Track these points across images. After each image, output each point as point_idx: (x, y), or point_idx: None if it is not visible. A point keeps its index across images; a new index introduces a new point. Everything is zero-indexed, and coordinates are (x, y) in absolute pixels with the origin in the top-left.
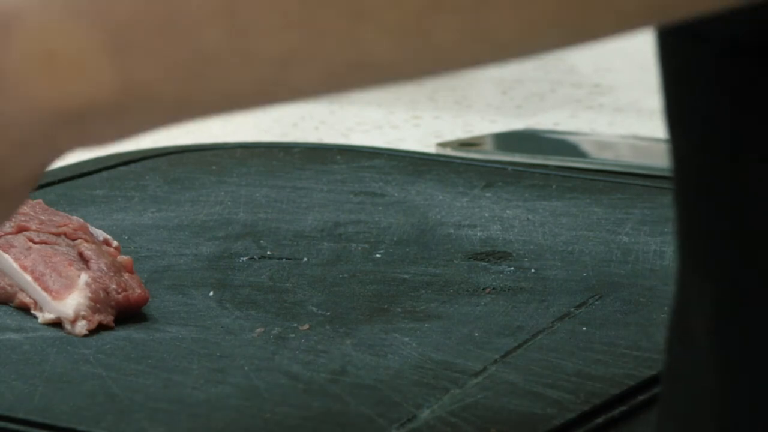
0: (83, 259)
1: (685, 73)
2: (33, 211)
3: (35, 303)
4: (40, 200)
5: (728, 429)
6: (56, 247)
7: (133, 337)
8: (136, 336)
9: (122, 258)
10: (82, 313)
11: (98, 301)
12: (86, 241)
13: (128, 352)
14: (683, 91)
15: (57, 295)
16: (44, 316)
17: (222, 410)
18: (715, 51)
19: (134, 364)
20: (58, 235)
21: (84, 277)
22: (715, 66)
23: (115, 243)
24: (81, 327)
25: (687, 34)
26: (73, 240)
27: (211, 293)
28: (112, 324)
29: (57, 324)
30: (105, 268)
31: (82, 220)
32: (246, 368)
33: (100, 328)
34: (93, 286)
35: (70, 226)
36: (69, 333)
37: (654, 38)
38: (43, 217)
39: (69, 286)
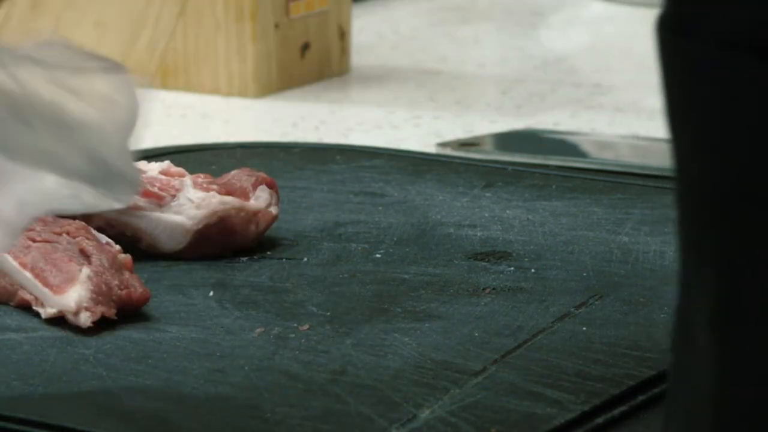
0: (84, 255)
1: (683, 70)
2: None
3: (36, 299)
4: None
5: (727, 430)
6: (56, 244)
7: (133, 337)
8: (136, 336)
9: (122, 257)
10: (85, 304)
11: (100, 294)
12: (87, 238)
13: (128, 352)
14: (682, 89)
15: (58, 289)
16: (46, 311)
17: (222, 410)
18: (712, 48)
19: (134, 364)
20: (59, 234)
21: (86, 270)
22: (712, 63)
23: (117, 247)
24: (85, 318)
25: (684, 32)
26: (74, 238)
27: (211, 293)
28: (115, 316)
29: (60, 319)
30: (107, 264)
31: (83, 223)
32: (246, 368)
33: (101, 327)
34: (95, 280)
35: (73, 225)
36: (73, 324)
37: (653, 36)
38: (48, 219)
39: (70, 280)
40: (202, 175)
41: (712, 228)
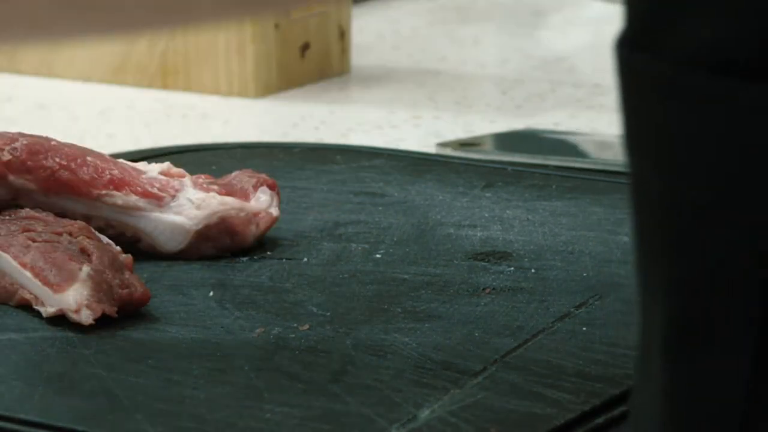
0: (85, 254)
1: (644, 89)
2: (40, 214)
3: (36, 298)
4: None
5: None
6: (57, 244)
7: (133, 337)
8: (136, 336)
9: (123, 257)
10: (85, 302)
11: (101, 292)
12: (88, 237)
13: (128, 352)
14: (642, 108)
15: (58, 288)
16: (47, 310)
17: (222, 410)
18: (674, 67)
19: (134, 364)
20: (60, 234)
21: (86, 269)
22: (673, 82)
23: (117, 248)
24: (86, 316)
25: (646, 50)
26: (75, 238)
27: (211, 293)
28: (115, 314)
29: (61, 318)
30: (107, 263)
31: (84, 223)
32: (246, 368)
33: (101, 327)
34: (95, 278)
35: (75, 226)
36: (74, 322)
37: (611, 55)
38: (50, 219)
39: (70, 278)
40: (202, 176)
41: (668, 250)
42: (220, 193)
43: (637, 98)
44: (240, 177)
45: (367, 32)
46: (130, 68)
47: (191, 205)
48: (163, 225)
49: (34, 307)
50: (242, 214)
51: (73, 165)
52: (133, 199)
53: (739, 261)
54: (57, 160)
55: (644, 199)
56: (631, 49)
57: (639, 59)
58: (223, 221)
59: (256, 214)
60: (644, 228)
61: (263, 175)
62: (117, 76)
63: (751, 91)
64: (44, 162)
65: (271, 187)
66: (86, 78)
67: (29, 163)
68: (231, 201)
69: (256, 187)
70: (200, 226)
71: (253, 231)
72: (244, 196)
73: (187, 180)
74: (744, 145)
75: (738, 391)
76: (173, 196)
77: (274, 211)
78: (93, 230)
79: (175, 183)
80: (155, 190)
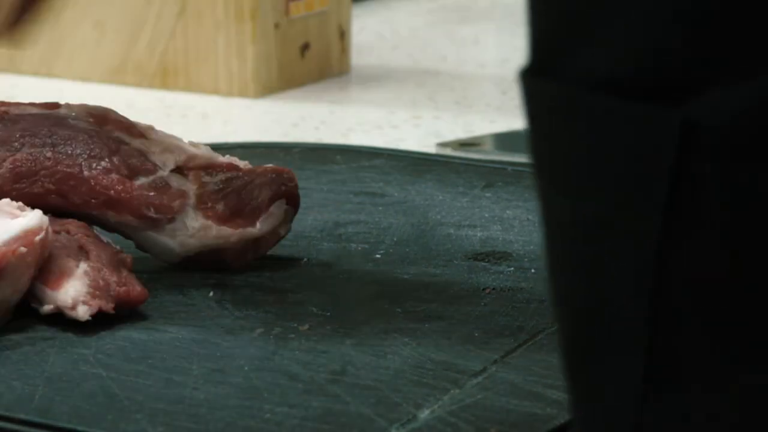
0: (83, 251)
1: (546, 112)
2: None
3: (34, 296)
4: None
5: None
6: (54, 242)
7: (133, 337)
8: (136, 336)
9: (122, 256)
10: (81, 299)
11: (97, 289)
12: (87, 235)
13: (128, 352)
14: (545, 131)
15: (54, 285)
16: (44, 308)
17: (222, 410)
18: (573, 89)
19: (134, 364)
20: (58, 232)
21: (83, 266)
22: (573, 104)
23: (117, 247)
24: (83, 312)
25: (547, 75)
26: (74, 236)
27: (211, 293)
28: (112, 310)
29: (60, 318)
30: (105, 261)
31: (83, 222)
32: (246, 368)
33: (100, 327)
34: (92, 275)
35: (73, 224)
36: (71, 319)
37: (517, 83)
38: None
39: (67, 275)
40: (222, 169)
41: (571, 270)
42: (221, 218)
43: (539, 121)
44: (258, 188)
45: (367, 32)
46: (129, 68)
47: (187, 232)
48: (155, 244)
49: (31, 305)
50: (238, 246)
51: (65, 187)
52: (128, 218)
53: (632, 275)
54: (47, 184)
55: (550, 217)
56: (534, 76)
57: (540, 84)
58: (216, 252)
59: (256, 240)
60: (551, 243)
61: (288, 181)
62: (117, 76)
63: (637, 110)
64: (32, 188)
65: (291, 200)
66: (86, 78)
67: (15, 185)
68: (228, 233)
69: (272, 200)
70: (191, 254)
71: (248, 257)
72: (254, 215)
73: (191, 197)
74: (634, 162)
75: (631, 396)
76: (170, 219)
77: (282, 230)
78: (92, 228)
79: (176, 203)
80: (151, 213)
